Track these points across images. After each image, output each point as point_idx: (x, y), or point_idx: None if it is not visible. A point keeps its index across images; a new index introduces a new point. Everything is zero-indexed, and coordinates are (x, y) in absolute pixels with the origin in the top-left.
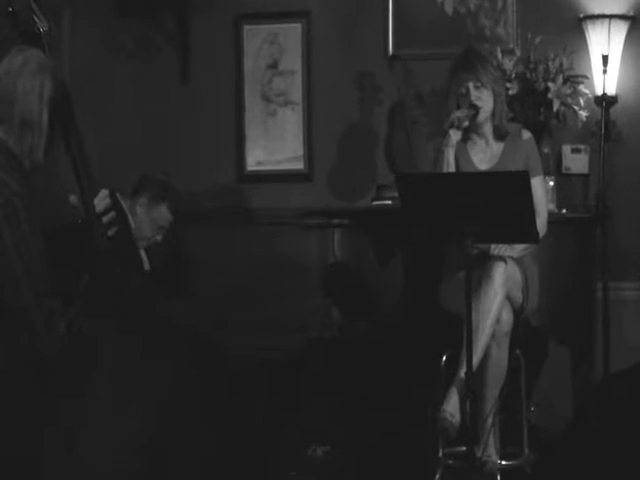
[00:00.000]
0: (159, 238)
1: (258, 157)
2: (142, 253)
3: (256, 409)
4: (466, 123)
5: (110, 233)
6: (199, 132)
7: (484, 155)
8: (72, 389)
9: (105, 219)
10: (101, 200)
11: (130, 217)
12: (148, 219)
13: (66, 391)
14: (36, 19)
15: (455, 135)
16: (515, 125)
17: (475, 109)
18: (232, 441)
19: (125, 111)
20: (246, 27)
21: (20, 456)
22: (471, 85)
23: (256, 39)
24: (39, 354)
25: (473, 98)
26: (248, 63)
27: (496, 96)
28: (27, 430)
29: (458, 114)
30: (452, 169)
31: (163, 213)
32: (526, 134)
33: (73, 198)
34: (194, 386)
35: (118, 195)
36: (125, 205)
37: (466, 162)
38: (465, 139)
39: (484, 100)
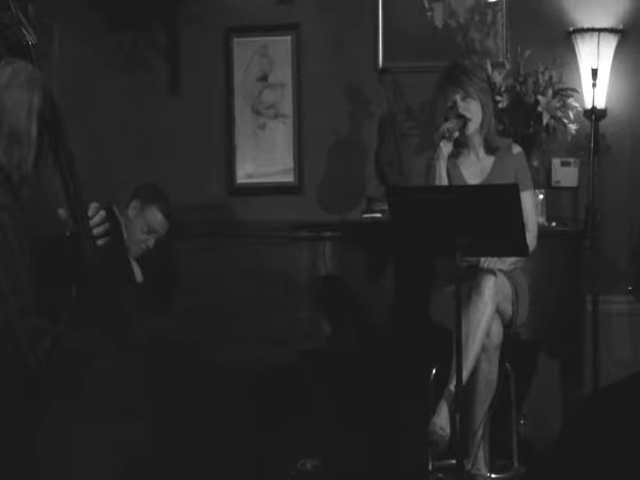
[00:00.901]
0: (151, 244)
1: (248, 170)
2: (135, 265)
3: (245, 421)
4: (456, 134)
5: (100, 243)
6: (189, 145)
7: (475, 169)
8: (61, 401)
9: (97, 231)
10: (95, 213)
11: (124, 228)
12: (139, 220)
13: (55, 402)
14: (25, 32)
15: (446, 147)
16: (505, 140)
17: (463, 119)
18: (220, 454)
19: (115, 124)
20: (236, 40)
21: (9, 467)
22: (458, 97)
23: (246, 52)
24: (23, 369)
25: (461, 109)
26: (238, 76)
27: (484, 106)
28: (16, 441)
29: (448, 125)
30: (445, 182)
31: (154, 213)
32: (516, 148)
33: (62, 212)
34: (183, 399)
35: (114, 207)
36: (120, 216)
37: (457, 176)
38: (456, 153)
39: (472, 111)
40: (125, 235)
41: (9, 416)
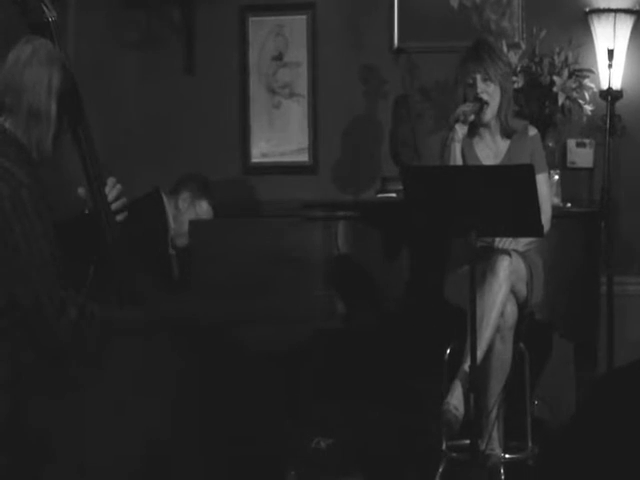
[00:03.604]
0: None
1: (263, 149)
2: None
3: (259, 401)
4: (472, 117)
5: (119, 219)
6: (204, 124)
7: (490, 151)
8: (86, 376)
9: (115, 206)
10: (112, 188)
11: (170, 216)
12: (190, 212)
13: (81, 377)
14: (45, 8)
15: (461, 129)
16: (522, 122)
17: (480, 102)
18: (234, 434)
19: (130, 102)
20: (251, 19)
21: (36, 441)
22: (478, 77)
23: (261, 31)
24: (53, 342)
25: (479, 91)
26: (253, 55)
27: (503, 92)
28: (42, 413)
29: (464, 108)
30: (459, 164)
31: (204, 208)
32: (532, 131)
33: (81, 190)
34: (197, 378)
35: (162, 192)
36: (167, 202)
37: (471, 157)
38: (472, 134)
39: (490, 94)
40: (172, 224)
41: (35, 388)
